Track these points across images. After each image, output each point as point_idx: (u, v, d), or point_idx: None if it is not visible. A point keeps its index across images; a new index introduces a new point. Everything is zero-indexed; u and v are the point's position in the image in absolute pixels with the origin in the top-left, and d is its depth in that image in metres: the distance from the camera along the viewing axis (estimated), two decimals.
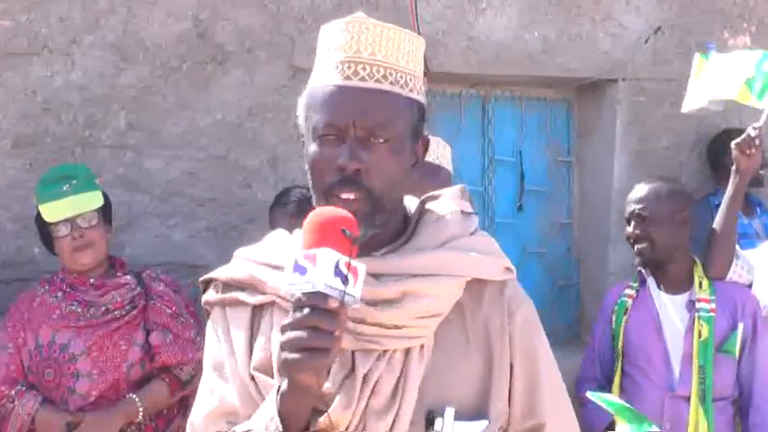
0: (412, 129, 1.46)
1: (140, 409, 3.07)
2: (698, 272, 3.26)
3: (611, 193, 4.33)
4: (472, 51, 4.12)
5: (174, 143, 3.75)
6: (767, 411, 3.14)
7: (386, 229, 1.47)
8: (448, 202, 1.54)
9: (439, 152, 2.83)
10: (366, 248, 1.41)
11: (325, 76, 1.46)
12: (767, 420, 3.13)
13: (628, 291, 3.33)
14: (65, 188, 3.10)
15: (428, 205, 1.55)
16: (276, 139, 3.82)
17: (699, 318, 3.15)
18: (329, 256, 1.28)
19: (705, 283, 3.22)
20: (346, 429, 1.40)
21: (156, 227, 3.75)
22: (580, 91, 4.52)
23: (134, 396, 3.08)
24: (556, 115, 4.60)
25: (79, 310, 3.12)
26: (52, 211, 3.08)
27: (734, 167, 3.28)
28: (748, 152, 3.22)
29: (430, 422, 1.42)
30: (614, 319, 3.32)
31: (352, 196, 1.40)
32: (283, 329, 1.30)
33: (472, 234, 1.52)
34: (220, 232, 3.80)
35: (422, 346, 1.44)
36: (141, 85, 3.71)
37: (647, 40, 4.31)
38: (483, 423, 1.44)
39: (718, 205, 3.50)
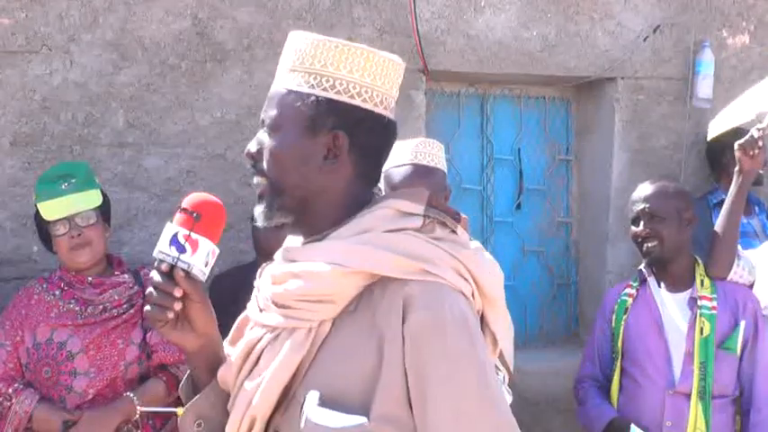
0: (306, 121, 1.56)
1: (137, 407, 3.07)
2: (699, 270, 3.26)
3: (610, 191, 4.34)
4: (471, 50, 4.12)
5: (173, 141, 3.75)
6: None
7: (315, 219, 1.59)
8: (385, 200, 1.59)
9: (433, 153, 2.85)
10: (303, 237, 1.61)
11: None
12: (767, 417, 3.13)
13: (628, 290, 3.33)
14: (63, 186, 3.09)
15: (375, 202, 1.61)
16: None
17: (700, 315, 3.15)
18: (168, 229, 1.58)
19: (706, 281, 3.22)
20: (234, 389, 1.59)
21: (155, 225, 3.75)
22: (579, 89, 4.52)
23: (131, 394, 3.08)
24: (555, 114, 4.60)
25: (77, 308, 3.12)
26: (50, 210, 3.08)
27: (737, 168, 3.29)
28: (751, 153, 3.22)
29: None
30: (614, 318, 3.32)
31: (256, 180, 1.61)
32: None
33: (396, 231, 1.53)
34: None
35: (310, 330, 1.51)
36: (140, 84, 3.71)
37: (645, 39, 4.31)
38: (358, 419, 1.43)
39: (717, 204, 3.50)
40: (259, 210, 1.60)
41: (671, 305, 3.24)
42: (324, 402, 1.46)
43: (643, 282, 3.31)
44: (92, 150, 3.66)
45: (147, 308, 1.57)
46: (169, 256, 1.56)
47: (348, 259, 1.50)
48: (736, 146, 3.26)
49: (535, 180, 4.57)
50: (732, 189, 3.31)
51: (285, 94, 1.58)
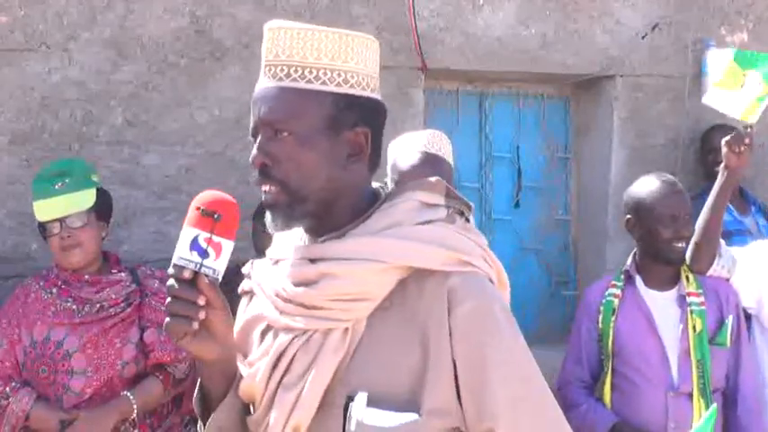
0: (328, 120, 1.50)
1: (134, 406, 3.07)
2: (683, 267, 3.26)
3: (609, 189, 4.34)
4: (470, 48, 4.12)
5: (172, 139, 3.75)
6: (753, 401, 3.16)
7: (336, 217, 1.52)
8: (406, 192, 1.54)
9: (443, 145, 2.82)
10: (317, 234, 1.53)
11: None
12: (753, 408, 3.15)
13: (612, 290, 3.28)
14: (57, 186, 3.07)
15: (390, 195, 1.56)
16: None
17: (691, 312, 3.15)
18: (187, 233, 1.44)
19: (692, 277, 3.22)
20: (262, 399, 1.49)
21: (154, 223, 3.75)
22: (578, 87, 4.52)
23: (128, 393, 3.07)
24: (553, 111, 4.60)
25: (74, 306, 3.11)
26: (43, 211, 3.07)
27: (722, 165, 3.28)
28: (738, 150, 3.22)
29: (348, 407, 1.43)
30: (601, 318, 3.28)
31: (267, 188, 1.52)
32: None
33: (426, 223, 1.50)
34: None
35: (346, 330, 1.45)
36: (138, 81, 3.71)
37: (644, 37, 4.31)
38: (410, 416, 1.40)
39: None
40: (274, 218, 1.52)
41: (660, 304, 3.22)
42: (370, 402, 1.41)
43: (629, 280, 3.28)
44: (90, 148, 3.66)
45: (168, 320, 1.44)
46: (191, 261, 1.43)
47: (387, 254, 1.45)
48: (723, 142, 3.26)
49: (534, 178, 4.57)
50: (716, 185, 3.30)
51: (295, 93, 1.50)
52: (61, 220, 3.07)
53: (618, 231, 4.27)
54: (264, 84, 1.56)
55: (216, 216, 1.44)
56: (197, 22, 3.76)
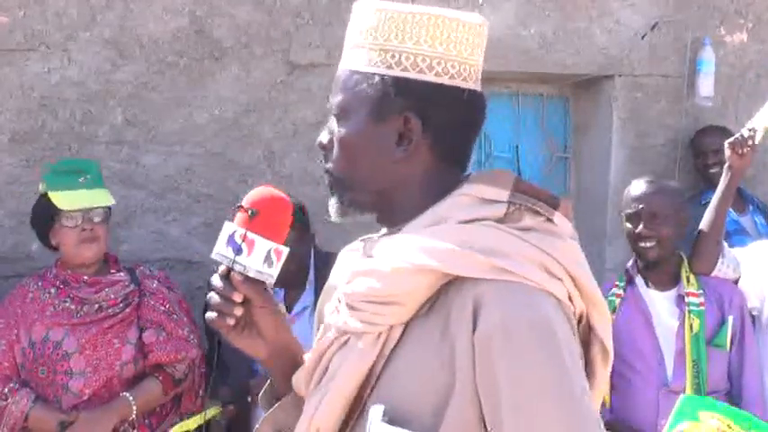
0: (372, 104, 1.40)
1: (134, 407, 3.07)
2: (684, 267, 3.26)
3: (608, 189, 4.34)
4: None
5: (171, 139, 3.75)
6: (757, 404, 3.16)
7: (396, 212, 1.42)
8: (464, 185, 1.40)
9: None
10: (386, 228, 1.46)
11: None
12: (757, 411, 3.14)
13: (615, 290, 3.31)
14: (80, 180, 3.12)
15: (457, 187, 1.41)
16: (273, 134, 3.82)
17: (689, 312, 3.16)
18: (226, 228, 1.46)
19: (692, 277, 3.23)
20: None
21: (153, 223, 3.75)
22: (577, 87, 4.52)
23: (128, 394, 3.07)
24: (552, 111, 4.60)
25: (73, 306, 3.11)
26: (69, 200, 3.08)
27: (726, 165, 3.30)
28: (741, 152, 3.23)
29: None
30: None
31: (326, 170, 1.47)
32: None
33: (472, 222, 1.34)
34: (217, 228, 3.72)
35: (379, 335, 1.34)
36: (138, 81, 3.71)
37: (643, 37, 4.31)
38: None
39: (706, 204, 3.51)
40: (332, 203, 1.46)
41: (659, 304, 3.24)
42: (392, 418, 1.28)
43: (629, 280, 3.30)
44: (90, 148, 3.66)
45: (209, 314, 1.44)
46: (225, 257, 1.44)
47: (412, 255, 1.31)
48: (726, 144, 3.28)
49: (533, 178, 4.57)
50: (720, 186, 3.33)
51: (348, 76, 1.42)
52: (84, 213, 3.08)
53: (617, 231, 4.27)
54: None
55: (251, 212, 1.44)
56: (196, 22, 3.76)
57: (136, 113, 3.71)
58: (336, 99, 1.43)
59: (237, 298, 1.42)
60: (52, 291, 3.14)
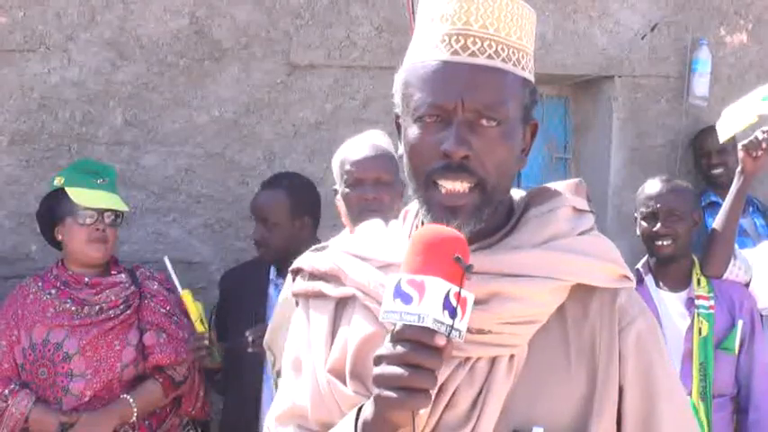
0: (523, 111, 1.31)
1: (134, 409, 3.07)
2: (696, 269, 3.26)
3: (608, 189, 4.34)
4: None
5: (171, 140, 3.75)
6: (766, 407, 3.14)
7: (486, 224, 1.31)
8: (558, 197, 1.37)
9: (384, 141, 2.76)
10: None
11: (428, 50, 1.32)
12: (766, 415, 3.13)
13: None
14: (99, 181, 3.16)
15: (536, 199, 1.38)
16: (273, 135, 3.82)
17: (698, 315, 3.15)
18: (440, 287, 1.15)
19: (703, 280, 3.22)
20: None
21: (153, 223, 3.75)
22: (577, 88, 4.52)
23: (128, 396, 3.07)
24: (552, 112, 4.60)
25: (73, 308, 3.10)
26: (86, 197, 3.10)
27: (739, 168, 3.29)
28: (755, 155, 3.23)
29: None
30: None
31: (458, 187, 1.27)
32: (377, 361, 1.18)
33: (582, 234, 1.35)
34: (217, 229, 3.80)
35: (512, 357, 1.28)
36: (138, 82, 3.71)
37: (643, 37, 4.31)
38: None
39: (706, 206, 3.50)
40: (458, 224, 1.27)
41: (669, 305, 3.23)
42: None
43: (639, 281, 3.29)
44: (90, 149, 3.66)
45: (389, 394, 1.15)
46: (444, 325, 1.15)
47: (564, 272, 1.29)
48: (739, 146, 3.27)
49: (533, 178, 4.57)
50: (733, 189, 3.32)
51: (499, 75, 1.28)
52: (100, 213, 3.10)
53: (618, 231, 4.27)
54: (453, 58, 1.29)
55: (467, 267, 1.17)
56: (196, 23, 3.76)
57: (136, 114, 3.71)
58: (489, 100, 1.27)
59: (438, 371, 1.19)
60: (53, 292, 3.13)
